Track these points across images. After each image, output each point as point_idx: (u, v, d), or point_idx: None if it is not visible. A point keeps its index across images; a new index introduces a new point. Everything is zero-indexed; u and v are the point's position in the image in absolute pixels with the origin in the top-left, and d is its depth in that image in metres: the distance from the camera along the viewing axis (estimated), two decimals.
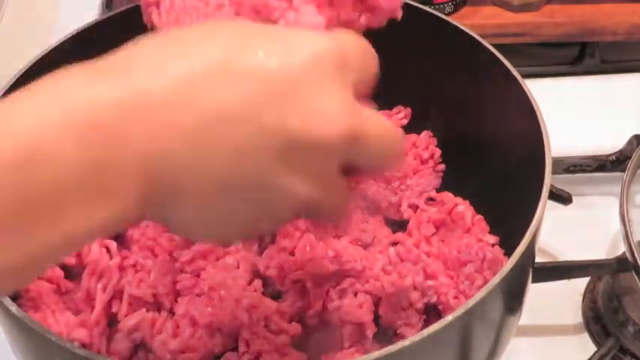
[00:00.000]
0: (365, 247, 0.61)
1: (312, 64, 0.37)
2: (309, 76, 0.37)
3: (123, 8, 0.65)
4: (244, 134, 0.36)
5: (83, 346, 0.53)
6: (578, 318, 0.68)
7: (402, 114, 0.68)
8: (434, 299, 0.57)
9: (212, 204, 0.38)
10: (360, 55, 0.40)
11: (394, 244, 0.61)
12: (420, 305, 0.58)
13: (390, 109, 0.69)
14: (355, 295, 0.57)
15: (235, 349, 0.55)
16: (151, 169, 0.35)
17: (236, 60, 0.36)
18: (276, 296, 0.58)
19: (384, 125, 0.40)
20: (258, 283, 0.57)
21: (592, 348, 0.65)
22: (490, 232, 0.62)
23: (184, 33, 0.39)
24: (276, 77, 0.37)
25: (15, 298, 0.55)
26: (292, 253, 0.58)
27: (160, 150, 0.35)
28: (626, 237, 0.59)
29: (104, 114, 0.34)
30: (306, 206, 0.39)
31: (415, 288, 0.57)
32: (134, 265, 0.58)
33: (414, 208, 0.65)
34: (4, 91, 0.56)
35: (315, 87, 0.37)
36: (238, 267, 0.58)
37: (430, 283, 0.57)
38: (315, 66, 0.37)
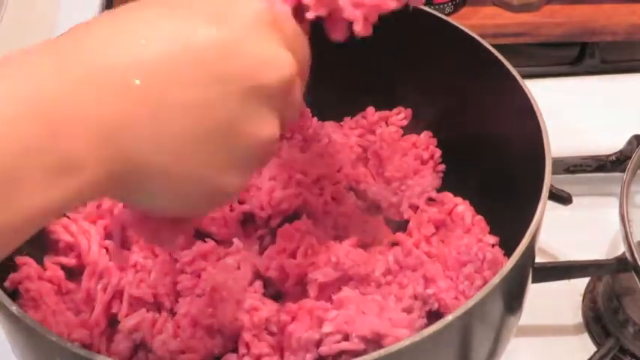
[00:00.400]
0: (365, 247, 0.61)
1: (252, 24, 0.41)
2: (251, 33, 0.40)
3: None
4: (200, 97, 0.38)
5: (83, 346, 0.53)
6: (578, 318, 0.68)
7: (402, 115, 0.68)
8: (435, 306, 0.57)
9: (178, 171, 0.39)
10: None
11: (394, 244, 0.61)
12: (421, 313, 0.57)
13: (391, 109, 0.69)
14: None
15: (235, 350, 0.55)
16: (109, 141, 0.36)
17: (186, 29, 0.39)
18: (276, 296, 0.58)
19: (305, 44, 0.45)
20: (258, 284, 0.57)
21: (592, 348, 0.65)
22: (490, 233, 0.62)
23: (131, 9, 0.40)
24: (223, 40, 0.39)
25: (15, 298, 0.55)
26: (293, 256, 0.58)
27: (118, 119, 0.37)
28: (626, 237, 0.59)
29: (50, 90, 0.35)
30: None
31: (416, 298, 0.57)
32: (134, 266, 0.58)
33: (414, 208, 0.65)
34: None
35: (258, 41, 0.41)
36: (239, 268, 0.58)
37: (430, 291, 0.57)
38: (255, 24, 0.41)
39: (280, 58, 0.41)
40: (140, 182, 0.39)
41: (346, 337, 0.52)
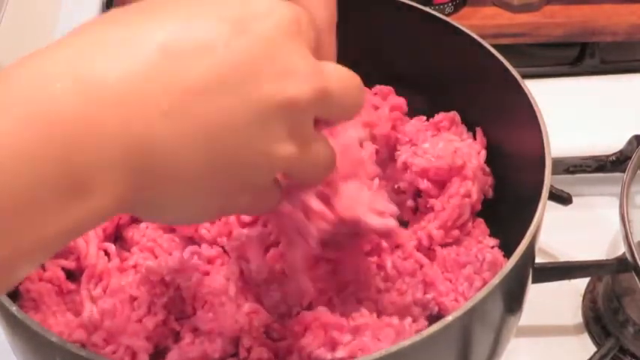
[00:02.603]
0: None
1: (275, 30, 0.38)
2: (274, 41, 0.38)
3: None
4: (220, 108, 0.36)
5: (83, 346, 0.53)
6: (578, 318, 0.68)
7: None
8: (435, 310, 0.57)
9: (195, 186, 0.37)
10: (308, 19, 0.41)
11: (394, 246, 0.61)
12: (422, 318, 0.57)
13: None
14: (360, 303, 0.56)
15: (235, 354, 0.55)
16: (132, 159, 0.34)
17: (200, 33, 0.36)
18: None
19: (346, 78, 0.42)
20: None
21: (592, 348, 0.65)
22: (490, 234, 0.62)
23: (137, 9, 0.37)
24: (242, 47, 0.37)
25: (15, 298, 0.55)
26: None
27: (140, 138, 0.34)
28: (626, 237, 0.59)
29: (67, 110, 0.33)
30: (287, 167, 0.40)
31: (415, 304, 0.57)
32: (135, 267, 0.58)
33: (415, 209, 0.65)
34: None
35: (280, 50, 0.38)
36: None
37: (429, 296, 0.57)
38: (278, 31, 0.38)
39: (307, 71, 0.39)
40: (154, 200, 0.37)
41: None
